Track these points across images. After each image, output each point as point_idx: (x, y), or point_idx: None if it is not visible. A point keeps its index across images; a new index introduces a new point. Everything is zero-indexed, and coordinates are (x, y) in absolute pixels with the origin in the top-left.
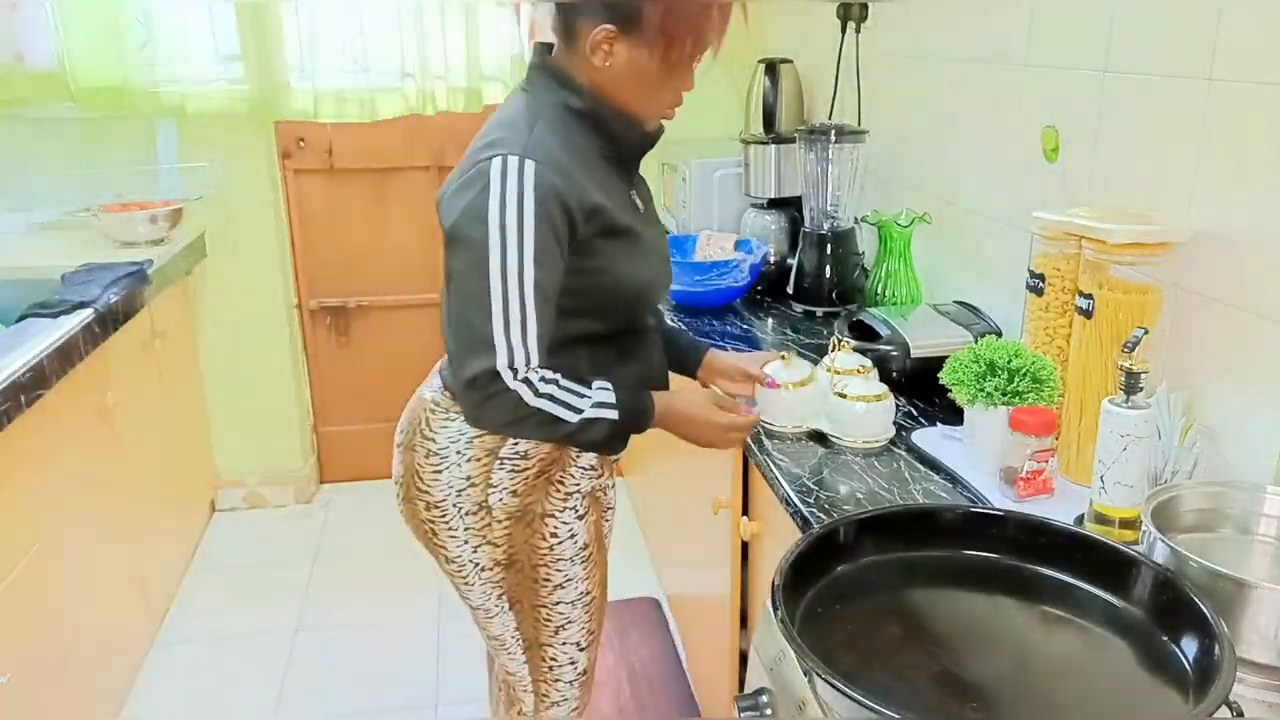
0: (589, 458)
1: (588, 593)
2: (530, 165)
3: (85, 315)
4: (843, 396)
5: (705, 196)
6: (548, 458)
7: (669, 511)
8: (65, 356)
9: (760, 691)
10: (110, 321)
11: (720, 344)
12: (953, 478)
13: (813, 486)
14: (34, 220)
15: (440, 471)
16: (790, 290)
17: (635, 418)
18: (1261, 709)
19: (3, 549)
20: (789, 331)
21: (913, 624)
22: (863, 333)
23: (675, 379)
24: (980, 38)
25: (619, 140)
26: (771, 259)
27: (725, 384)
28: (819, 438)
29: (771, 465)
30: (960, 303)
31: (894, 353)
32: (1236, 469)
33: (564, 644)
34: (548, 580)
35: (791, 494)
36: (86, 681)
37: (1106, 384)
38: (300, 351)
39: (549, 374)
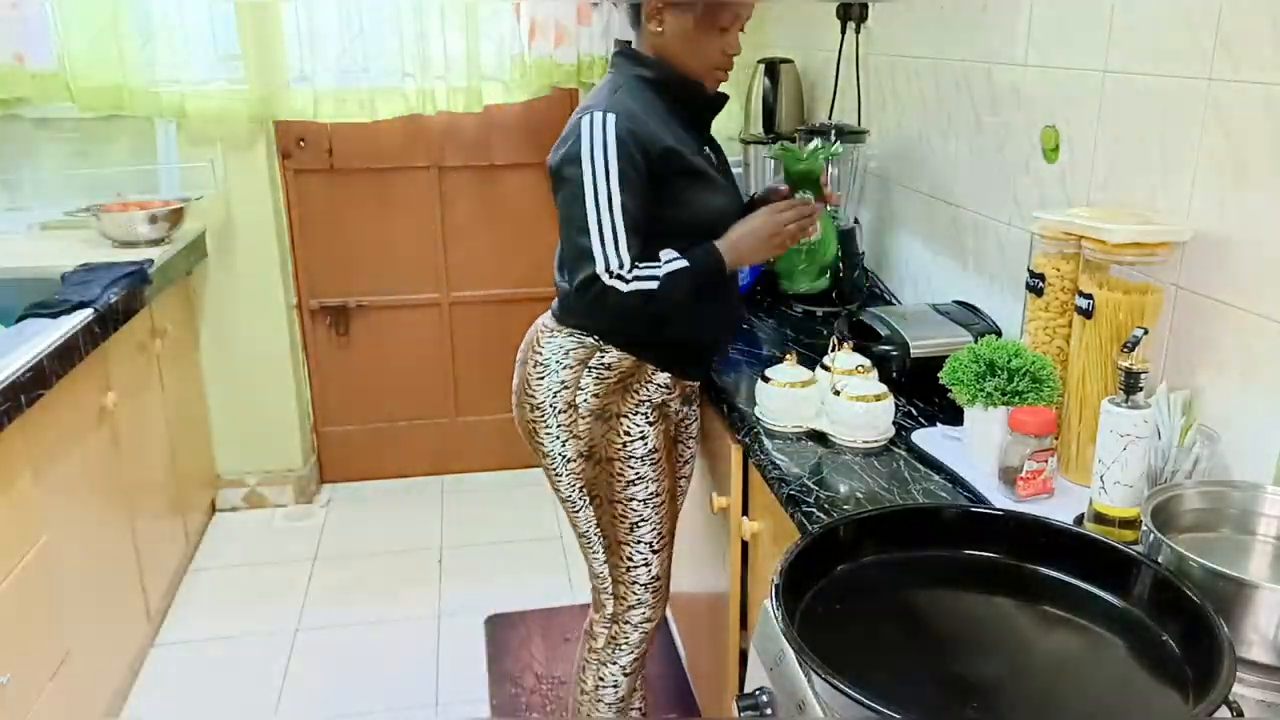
0: (662, 376)
1: (657, 494)
2: (611, 116)
3: (85, 315)
4: (842, 396)
5: None
6: (627, 371)
7: None
8: (65, 356)
9: (760, 691)
10: (110, 321)
11: None
12: (952, 477)
13: (813, 486)
14: (34, 220)
15: (543, 379)
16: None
17: (707, 259)
18: (1261, 709)
19: (3, 549)
20: (789, 331)
21: (913, 624)
22: (862, 333)
23: None
24: (980, 37)
25: (685, 101)
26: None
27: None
28: (819, 437)
29: (771, 465)
30: (960, 302)
31: (894, 353)
32: (1236, 469)
33: (638, 542)
34: (621, 475)
35: (791, 494)
36: (87, 681)
37: (1106, 384)
38: (300, 351)
39: (635, 267)
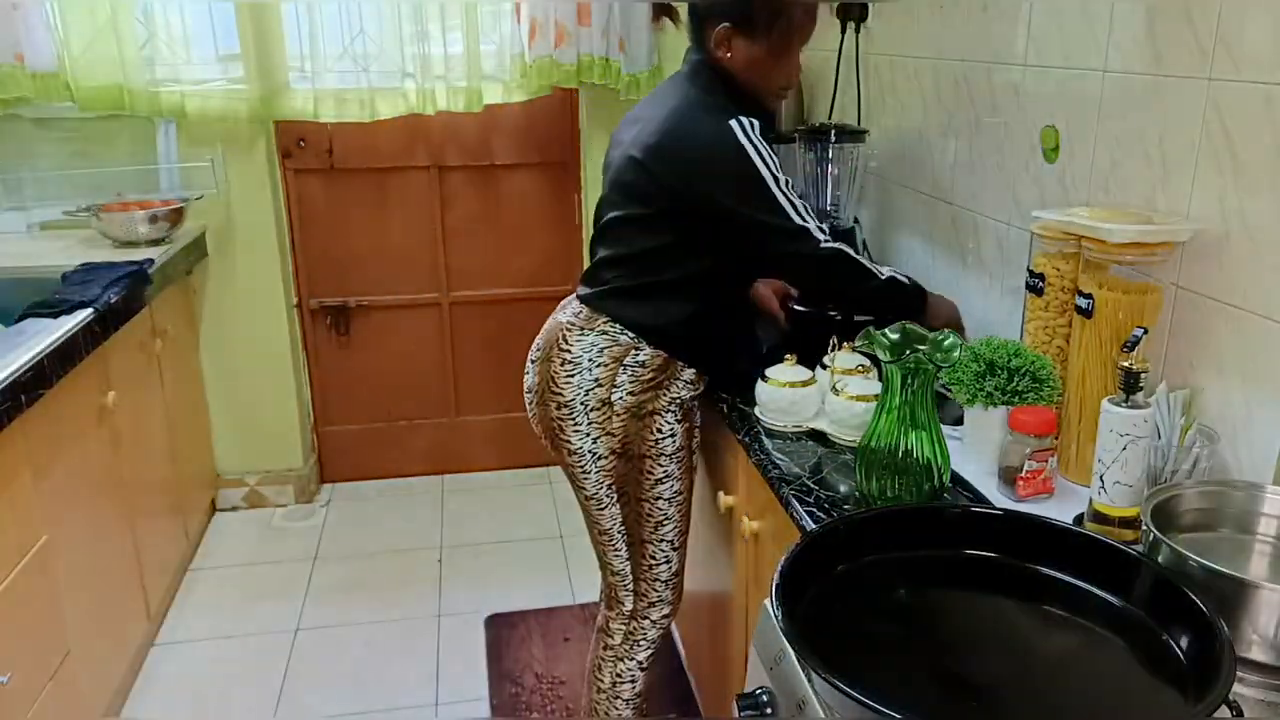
0: (690, 372)
1: (680, 492)
2: (752, 122)
3: (85, 315)
4: (842, 395)
5: None
6: (660, 368)
7: None
8: (65, 356)
9: (760, 690)
10: (110, 321)
11: None
12: (952, 477)
13: (813, 486)
14: (34, 220)
15: (573, 376)
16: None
17: (918, 294)
18: (1262, 708)
19: (3, 548)
20: (788, 330)
21: (912, 623)
22: (817, 304)
23: None
24: (980, 37)
25: (758, 115)
26: None
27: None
28: (819, 437)
29: (771, 465)
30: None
31: (840, 319)
32: (1236, 469)
33: (661, 540)
34: (650, 474)
35: (791, 493)
36: (87, 680)
37: (1106, 383)
38: (300, 351)
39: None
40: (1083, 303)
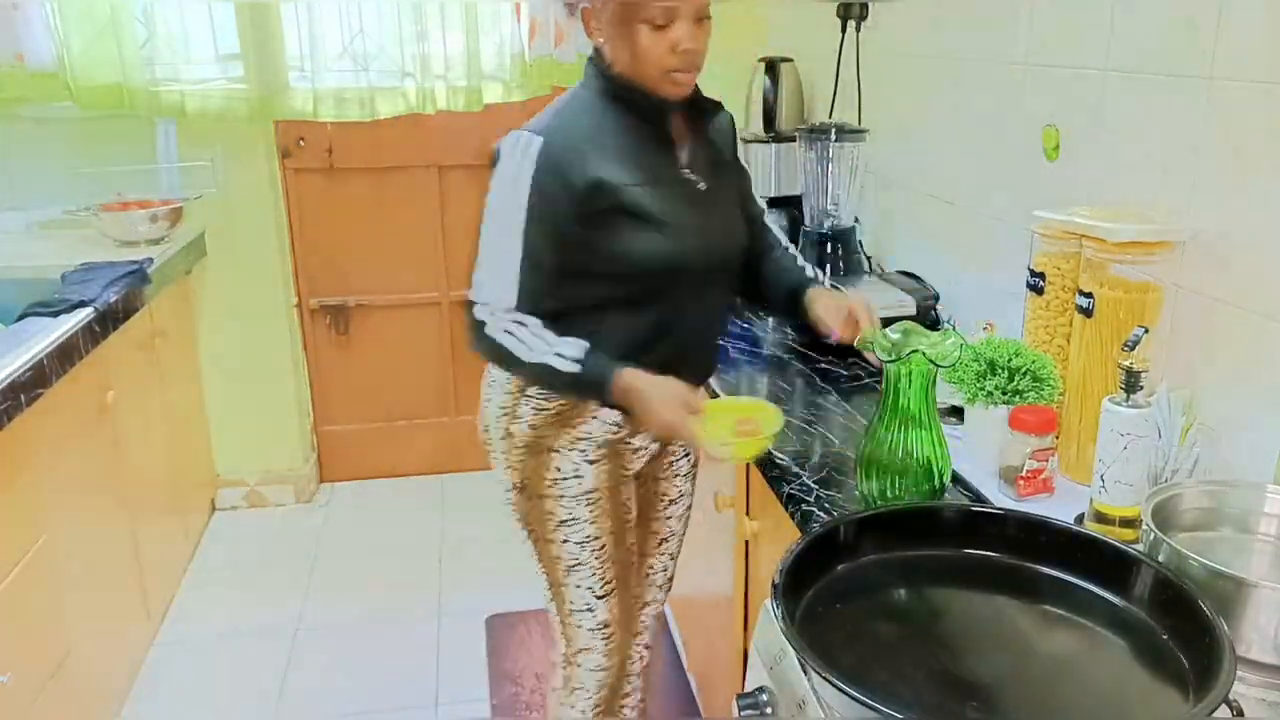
0: (611, 414)
1: (594, 537)
2: (538, 141)
3: (85, 314)
4: None
5: None
6: (567, 404)
7: None
8: (65, 355)
9: (760, 690)
10: (110, 320)
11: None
12: (953, 476)
13: (813, 485)
14: (34, 219)
15: (489, 401)
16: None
17: (594, 376)
18: (1262, 708)
19: (3, 548)
20: (788, 331)
21: (913, 623)
22: None
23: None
24: (981, 36)
25: (640, 111)
26: None
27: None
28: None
29: (771, 464)
30: (904, 272)
31: None
32: (1237, 468)
33: (577, 586)
34: (552, 514)
35: (791, 493)
36: (87, 680)
37: (1107, 383)
38: (300, 350)
39: (526, 319)
40: (1083, 302)
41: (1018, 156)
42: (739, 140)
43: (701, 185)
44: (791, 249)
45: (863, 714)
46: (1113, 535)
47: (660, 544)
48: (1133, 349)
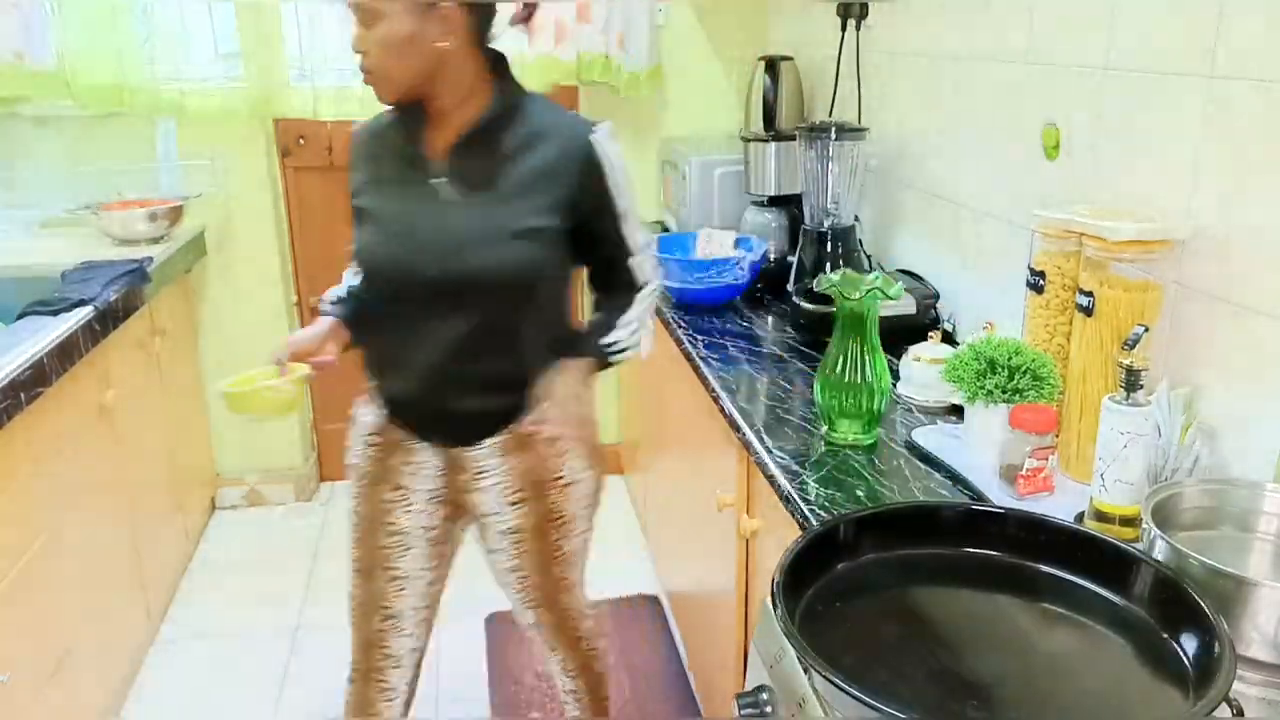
0: (371, 412)
1: (355, 511)
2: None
3: (85, 313)
4: (922, 361)
5: (705, 194)
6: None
7: (669, 509)
8: (65, 354)
9: (760, 689)
10: (110, 319)
11: (721, 341)
12: (953, 475)
13: (813, 484)
14: (34, 218)
15: None
16: (790, 288)
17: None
18: (1262, 707)
19: (2, 547)
20: (788, 329)
21: (913, 622)
22: (820, 299)
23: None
24: (981, 35)
25: (411, 113)
26: (771, 257)
27: None
28: (959, 411)
29: (771, 463)
30: (905, 270)
31: None
32: (1237, 467)
33: (351, 555)
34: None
35: (792, 491)
36: (87, 679)
37: (1107, 381)
38: None
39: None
40: (1083, 301)
41: (1018, 155)
42: (605, 175)
43: (454, 198)
44: (629, 313)
45: (863, 713)
46: (1113, 534)
47: (491, 556)
48: (1133, 348)
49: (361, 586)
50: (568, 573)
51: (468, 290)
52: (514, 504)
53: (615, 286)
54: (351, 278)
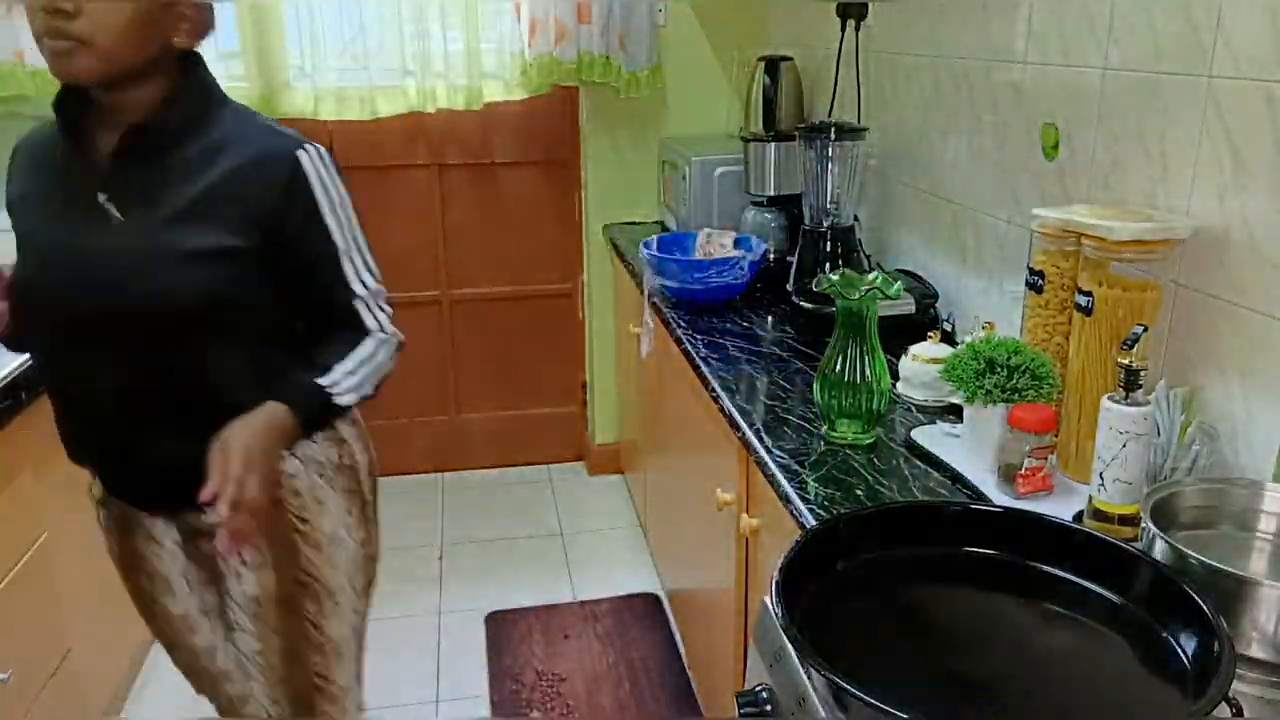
0: (100, 512)
1: (126, 584)
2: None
3: None
4: (917, 360)
5: (705, 194)
6: None
7: (669, 508)
8: None
9: (760, 688)
10: None
11: (720, 341)
12: (952, 475)
13: (813, 483)
14: None
15: None
16: (790, 287)
17: None
18: (1261, 706)
19: (4, 545)
20: (788, 329)
21: (912, 621)
22: (819, 300)
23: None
24: (980, 35)
25: (72, 114)
26: (771, 256)
27: None
28: (957, 410)
29: (771, 462)
30: (904, 270)
31: None
32: (1236, 466)
33: None
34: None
35: (791, 491)
36: (88, 679)
37: (1106, 381)
38: None
39: None
40: (1083, 300)
41: (1017, 154)
42: (311, 191)
43: (117, 218)
44: (352, 355)
45: (862, 712)
46: (1112, 533)
47: (231, 634)
48: (1132, 347)
49: (177, 658)
50: (327, 669)
51: (137, 325)
52: (253, 570)
53: (336, 331)
54: None
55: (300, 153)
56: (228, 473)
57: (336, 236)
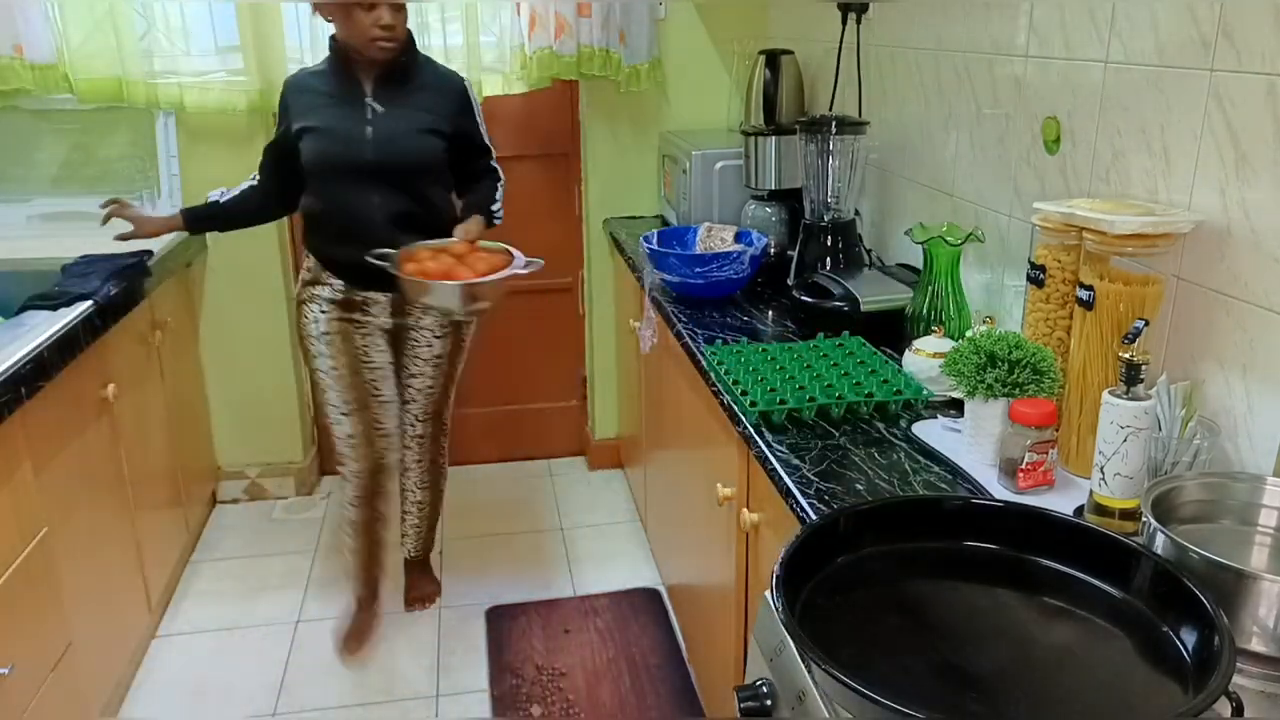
0: (336, 280)
1: (334, 368)
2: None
3: (85, 307)
4: (919, 354)
5: (706, 188)
6: (312, 269)
7: (670, 503)
8: (65, 348)
9: (760, 682)
10: (110, 313)
11: (721, 336)
12: (953, 469)
13: (813, 478)
14: (34, 212)
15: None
16: (791, 282)
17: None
18: (1261, 700)
19: (4, 541)
20: (789, 323)
21: (912, 615)
22: (818, 293)
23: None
24: (981, 29)
25: (344, 62)
26: (772, 251)
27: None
28: (959, 405)
29: (772, 457)
30: (904, 264)
31: (846, 308)
32: (1236, 460)
33: (328, 405)
34: (307, 351)
35: (792, 485)
36: (88, 673)
37: (1107, 375)
38: (300, 343)
39: (251, 180)
40: (1084, 294)
41: (1018, 148)
42: (472, 103)
43: (380, 110)
44: (498, 191)
45: (862, 706)
46: (1112, 527)
47: (410, 379)
48: (1133, 341)
49: (358, 420)
50: (448, 405)
51: (395, 172)
52: (439, 336)
53: (482, 176)
54: (217, 195)
55: (464, 81)
56: (468, 232)
57: (480, 127)
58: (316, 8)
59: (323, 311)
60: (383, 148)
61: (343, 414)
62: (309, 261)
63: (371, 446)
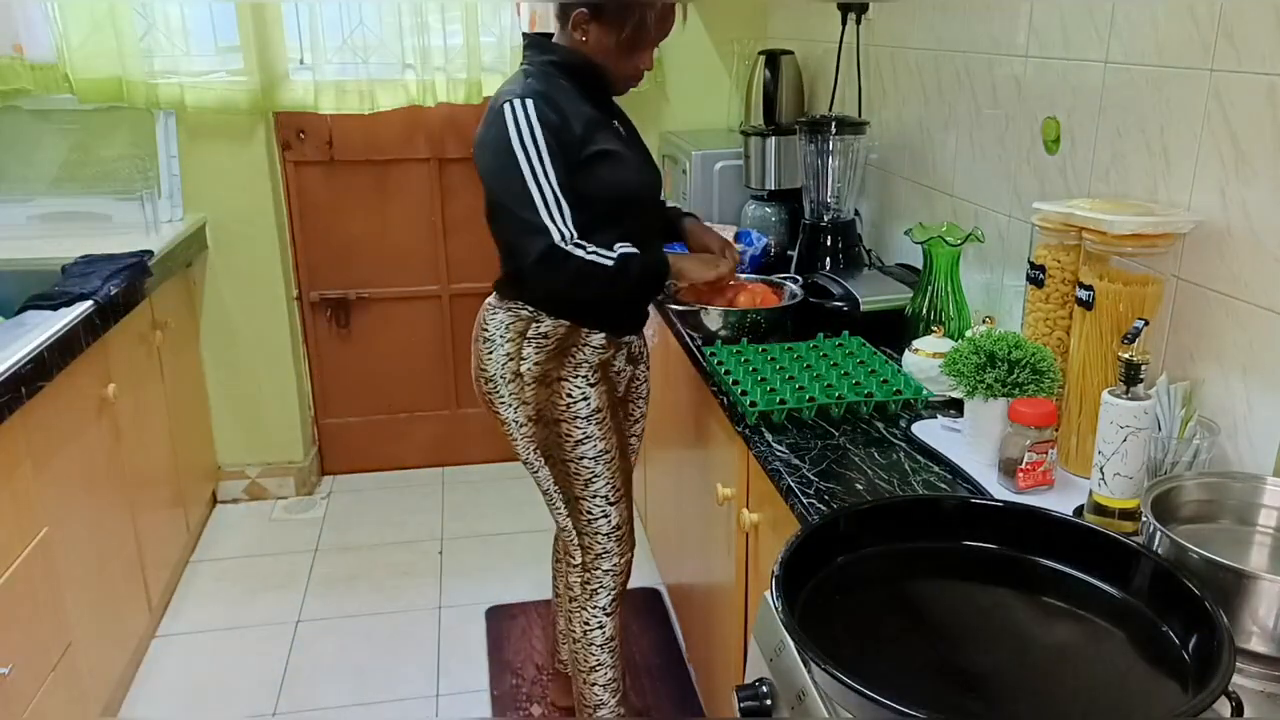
0: (597, 337)
1: (606, 451)
2: (529, 101)
3: (86, 307)
4: (919, 354)
5: (706, 188)
6: (563, 337)
7: (670, 503)
8: (66, 348)
9: (760, 682)
10: (111, 313)
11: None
12: (952, 469)
13: (812, 478)
14: (34, 211)
15: (491, 353)
16: None
17: (655, 261)
18: (1261, 699)
19: (4, 540)
20: (789, 324)
21: (912, 614)
22: (818, 293)
23: None
24: (981, 29)
25: (592, 90)
26: (772, 251)
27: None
28: (958, 405)
29: (771, 456)
30: (903, 264)
31: (845, 308)
32: (1236, 460)
33: (594, 497)
34: (569, 435)
35: (792, 485)
36: (88, 672)
37: (1106, 375)
38: (301, 343)
39: (583, 242)
40: (1083, 294)
41: (1018, 148)
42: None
43: (624, 134)
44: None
45: (862, 705)
46: (1112, 527)
47: (628, 456)
48: (1132, 341)
49: (625, 507)
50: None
51: (656, 204)
52: (645, 398)
53: None
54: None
55: None
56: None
57: None
58: (581, 26)
59: (590, 384)
60: (658, 181)
61: (611, 503)
62: (545, 323)
63: (630, 489)
